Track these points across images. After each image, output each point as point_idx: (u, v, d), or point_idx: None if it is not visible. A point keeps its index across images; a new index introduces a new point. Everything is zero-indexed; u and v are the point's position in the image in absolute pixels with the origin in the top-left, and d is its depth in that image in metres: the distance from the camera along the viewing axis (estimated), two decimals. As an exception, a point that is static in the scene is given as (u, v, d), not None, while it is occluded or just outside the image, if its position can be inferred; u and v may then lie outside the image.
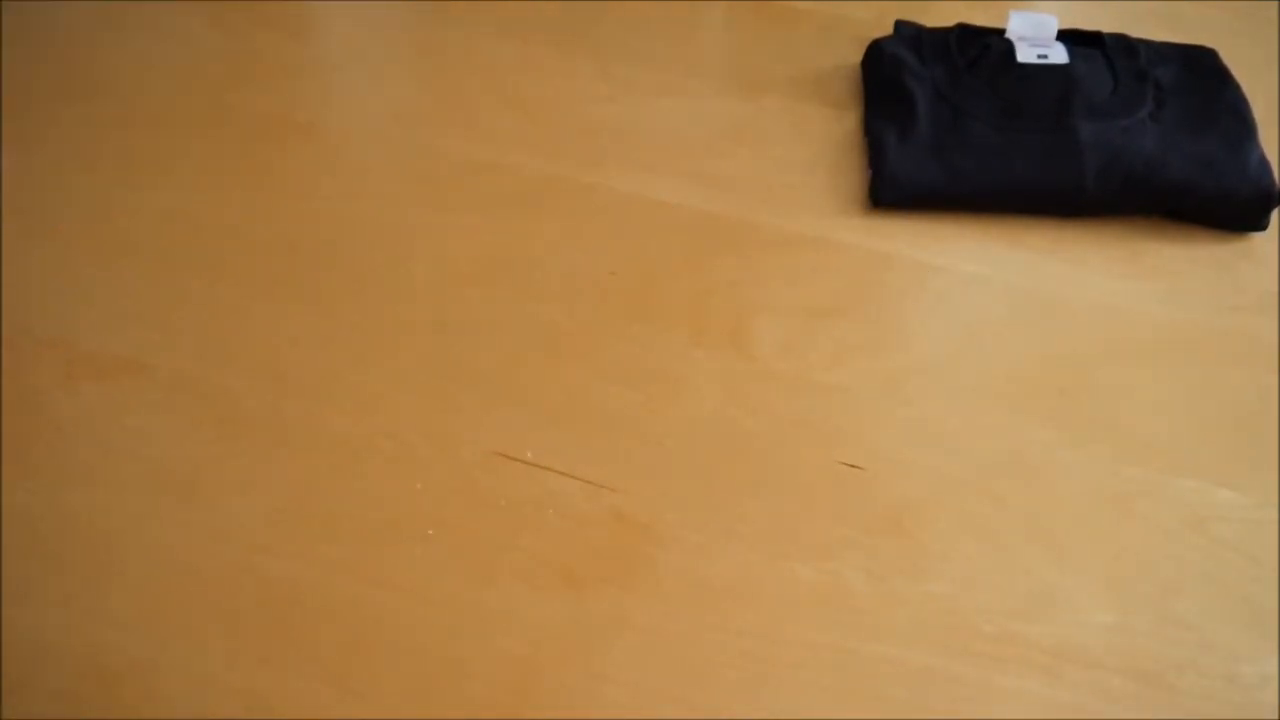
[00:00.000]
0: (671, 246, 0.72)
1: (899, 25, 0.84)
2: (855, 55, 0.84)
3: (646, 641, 0.54)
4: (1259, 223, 0.72)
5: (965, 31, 0.82)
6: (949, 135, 0.76)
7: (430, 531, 0.58)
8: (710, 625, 0.55)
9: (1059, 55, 0.78)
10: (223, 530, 0.58)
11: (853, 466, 0.61)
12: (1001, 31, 0.81)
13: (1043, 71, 0.78)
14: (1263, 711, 0.52)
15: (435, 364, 0.65)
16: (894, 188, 0.74)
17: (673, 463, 0.61)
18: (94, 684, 0.53)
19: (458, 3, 0.89)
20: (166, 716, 0.52)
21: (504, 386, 0.64)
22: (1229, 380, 0.65)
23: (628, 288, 0.69)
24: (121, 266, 0.70)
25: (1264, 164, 0.73)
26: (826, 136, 0.79)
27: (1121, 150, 0.73)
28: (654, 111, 0.81)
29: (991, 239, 0.73)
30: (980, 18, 0.83)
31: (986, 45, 0.80)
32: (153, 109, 0.80)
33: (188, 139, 0.78)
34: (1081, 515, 0.59)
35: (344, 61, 0.86)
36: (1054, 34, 0.80)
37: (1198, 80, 0.79)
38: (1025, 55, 0.78)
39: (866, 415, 0.63)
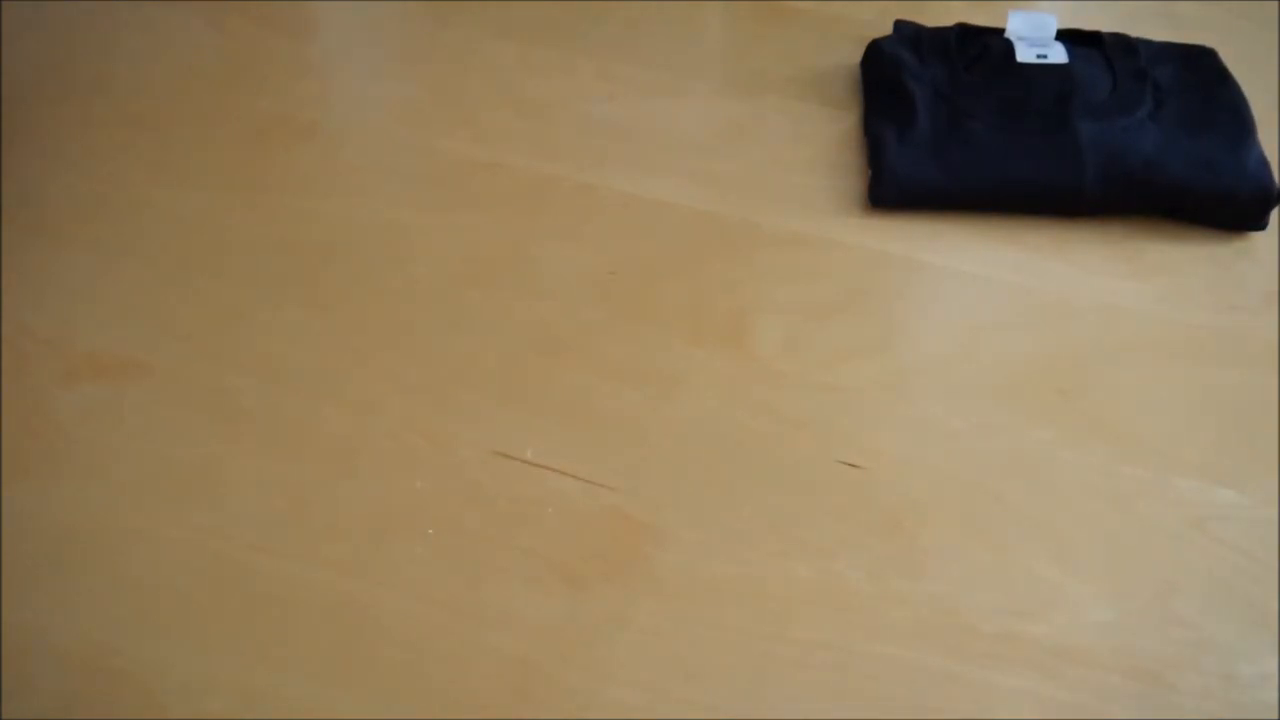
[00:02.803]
0: (671, 246, 0.72)
1: (898, 25, 0.84)
2: (855, 55, 0.84)
3: (646, 641, 0.54)
4: (1259, 222, 0.72)
5: (964, 31, 0.82)
6: (948, 135, 0.76)
7: (430, 531, 0.58)
8: (710, 624, 0.55)
9: (1058, 55, 0.78)
10: (223, 530, 0.58)
11: (853, 466, 0.61)
12: (1001, 31, 0.81)
13: (1042, 71, 0.77)
14: (1263, 711, 0.52)
15: (435, 364, 0.65)
16: (893, 187, 0.74)
17: (673, 462, 0.61)
18: (94, 684, 0.53)
19: (458, 3, 0.89)
20: (166, 716, 0.52)
21: (504, 386, 0.64)
22: (1229, 380, 0.65)
23: (627, 288, 0.69)
24: (121, 266, 0.70)
25: (1263, 163, 0.73)
26: (826, 136, 0.79)
27: (1121, 150, 0.73)
28: (654, 111, 0.81)
29: (991, 239, 0.73)
30: (980, 17, 0.83)
31: (986, 45, 0.80)
32: (153, 109, 0.80)
33: (188, 139, 0.78)
34: (1081, 515, 0.59)
35: (344, 61, 0.86)
36: (1053, 34, 0.79)
37: (1197, 80, 0.78)
38: (1024, 55, 0.78)
39: (866, 415, 0.63)
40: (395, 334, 0.67)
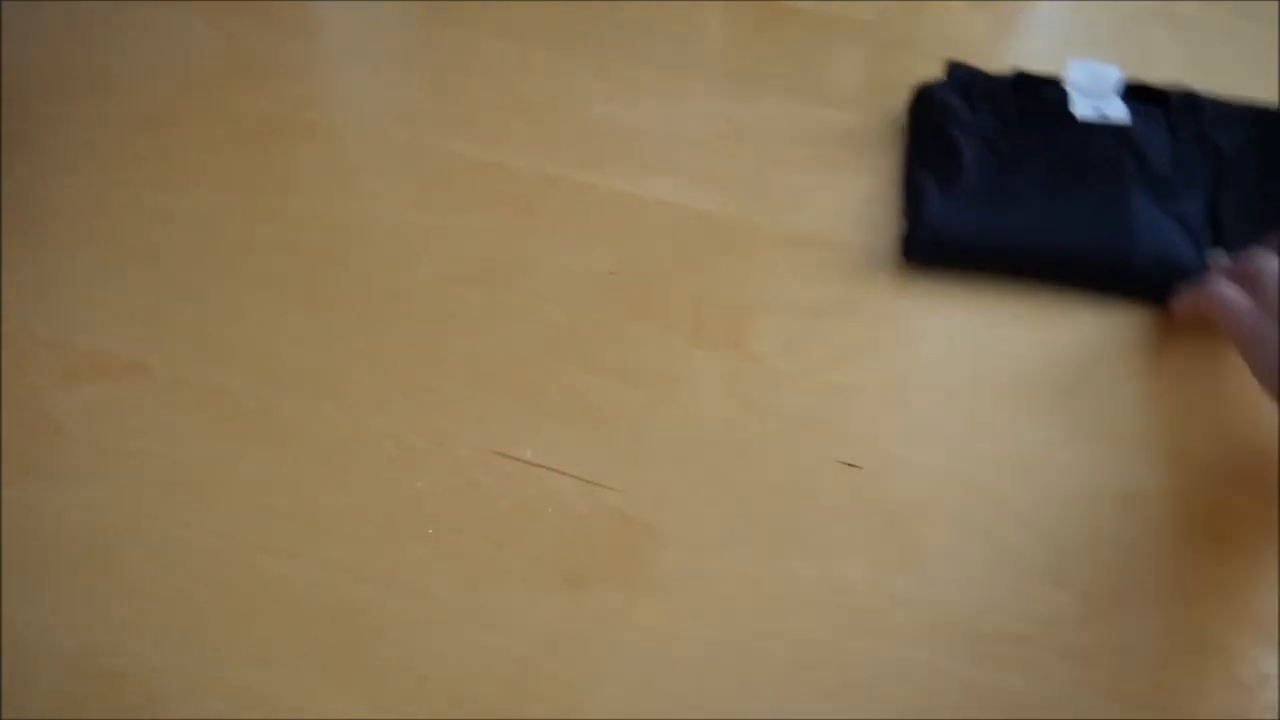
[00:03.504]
0: (671, 246, 0.72)
1: (952, 69, 0.80)
2: (855, 54, 0.83)
3: (647, 641, 0.54)
4: None
5: (1021, 81, 0.77)
6: (994, 192, 0.71)
7: (430, 531, 0.58)
8: (710, 625, 0.55)
9: (1117, 112, 0.74)
10: (223, 530, 0.58)
11: (853, 466, 0.61)
12: (1059, 83, 0.76)
13: (1099, 130, 0.73)
14: (1263, 711, 0.52)
15: (436, 364, 0.65)
16: (930, 244, 0.69)
17: (673, 462, 0.61)
18: (94, 684, 0.53)
19: (458, 3, 0.89)
20: (166, 716, 0.52)
21: (504, 386, 0.64)
22: (1229, 380, 0.65)
23: (627, 288, 0.69)
24: (121, 266, 0.70)
25: None
26: (826, 136, 0.79)
27: (1174, 243, 0.68)
28: (654, 111, 0.81)
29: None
30: (980, 19, 0.83)
31: (1042, 96, 0.76)
32: (153, 109, 0.80)
33: (187, 139, 0.78)
34: (1081, 515, 0.59)
35: (344, 61, 0.86)
36: (1115, 87, 0.75)
37: (1264, 150, 0.73)
38: (1082, 110, 0.74)
39: (866, 415, 0.63)
40: (395, 334, 0.67)
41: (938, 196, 0.71)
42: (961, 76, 0.79)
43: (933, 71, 0.79)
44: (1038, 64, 0.77)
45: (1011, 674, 0.53)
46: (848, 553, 0.57)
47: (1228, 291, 0.62)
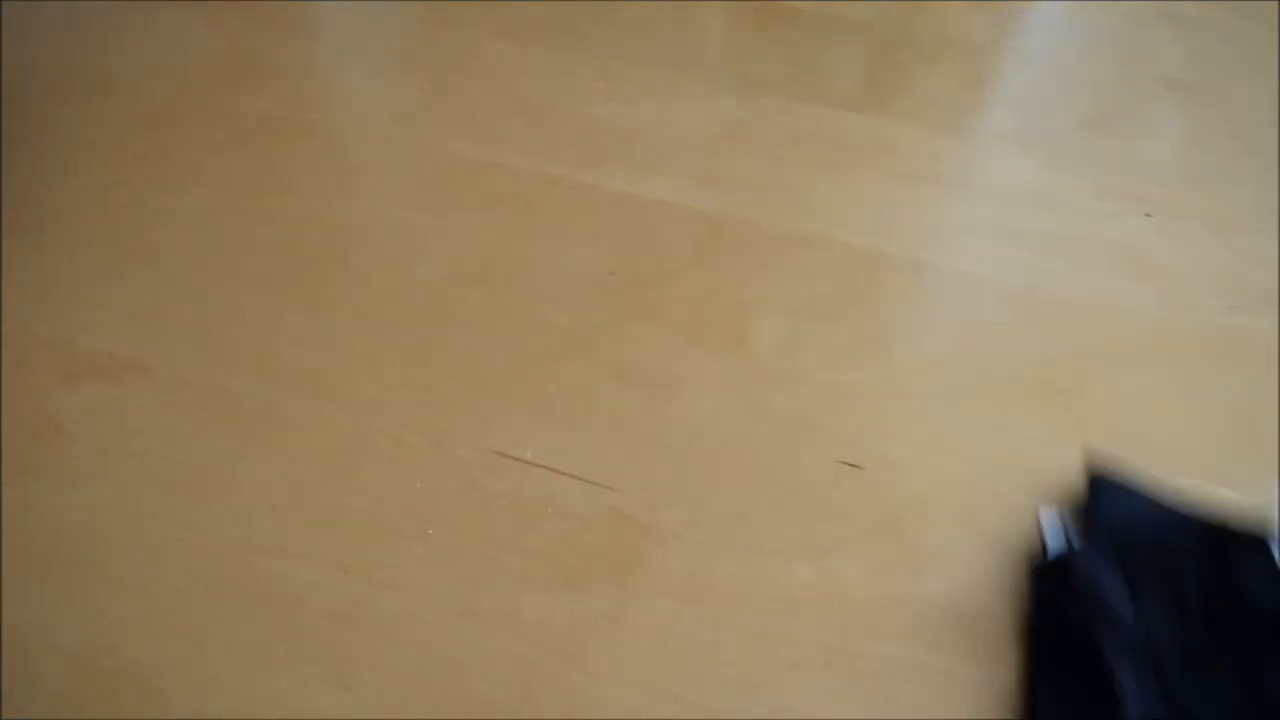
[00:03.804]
0: (671, 246, 0.72)
1: (1100, 490, 0.48)
2: (855, 54, 0.83)
3: (646, 641, 0.54)
4: None
5: (1208, 540, 0.48)
6: None
7: (430, 531, 0.58)
8: (709, 624, 0.55)
9: None
10: (223, 530, 0.58)
11: (853, 466, 0.61)
12: (1266, 547, 0.47)
13: None
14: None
15: (435, 364, 0.65)
16: None
17: (672, 462, 0.61)
18: (94, 684, 0.53)
19: (458, 3, 0.89)
20: (166, 716, 0.52)
21: (504, 386, 0.64)
22: (1229, 380, 0.65)
23: (627, 288, 0.69)
24: (121, 266, 0.70)
25: None
26: (826, 137, 0.79)
27: None
28: (654, 111, 0.81)
29: (990, 239, 0.73)
30: (980, 19, 0.83)
31: (1239, 574, 0.47)
32: (153, 109, 0.80)
33: (187, 139, 0.78)
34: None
35: (345, 61, 0.86)
36: None
37: None
38: None
39: (866, 415, 0.63)
40: (395, 334, 0.67)
41: None
42: (1119, 521, 0.48)
43: (933, 75, 0.78)
44: (1057, 75, 0.77)
45: (1011, 672, 0.53)
46: (848, 552, 0.57)
47: None
